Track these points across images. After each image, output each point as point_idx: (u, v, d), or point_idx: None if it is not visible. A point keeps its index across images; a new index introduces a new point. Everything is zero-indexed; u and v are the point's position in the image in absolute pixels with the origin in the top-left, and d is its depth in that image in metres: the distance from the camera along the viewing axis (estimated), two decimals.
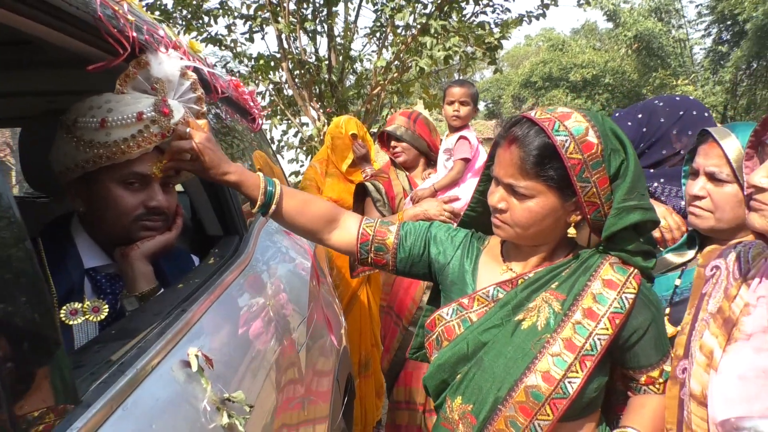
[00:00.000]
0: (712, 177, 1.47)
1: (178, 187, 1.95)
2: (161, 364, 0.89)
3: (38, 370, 0.65)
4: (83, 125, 1.33)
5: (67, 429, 0.66)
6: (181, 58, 1.47)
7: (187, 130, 1.32)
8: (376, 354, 3.60)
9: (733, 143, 1.46)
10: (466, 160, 2.75)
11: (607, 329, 1.21)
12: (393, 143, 2.98)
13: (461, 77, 9.77)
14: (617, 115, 2.04)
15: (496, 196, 1.27)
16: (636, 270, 1.27)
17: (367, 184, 2.92)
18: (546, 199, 1.22)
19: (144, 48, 1.35)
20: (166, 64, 1.41)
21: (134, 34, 1.25)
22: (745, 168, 1.05)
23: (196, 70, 1.54)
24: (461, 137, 2.77)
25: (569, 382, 1.18)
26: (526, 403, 1.19)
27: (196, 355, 0.94)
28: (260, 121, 2.50)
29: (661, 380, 1.28)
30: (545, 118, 1.22)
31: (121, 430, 0.73)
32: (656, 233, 1.69)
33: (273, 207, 1.35)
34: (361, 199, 3.01)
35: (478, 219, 1.45)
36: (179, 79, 1.45)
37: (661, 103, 1.95)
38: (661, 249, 1.64)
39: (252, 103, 2.42)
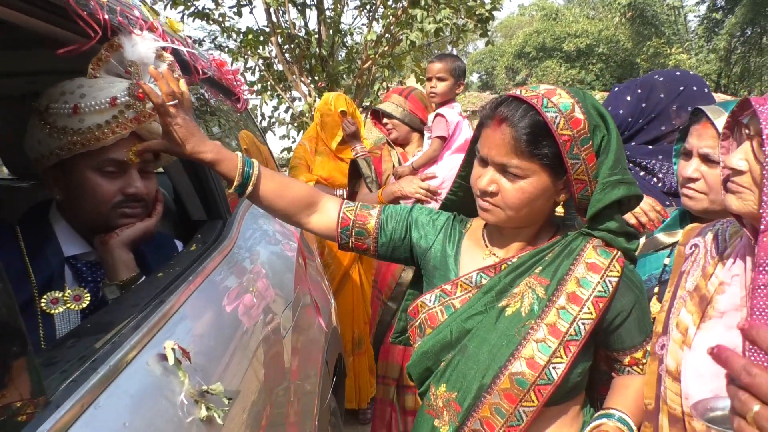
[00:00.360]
0: (706, 158, 1.45)
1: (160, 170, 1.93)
2: (136, 358, 0.88)
3: (3, 370, 0.63)
4: (56, 111, 1.30)
5: (35, 431, 0.64)
6: (157, 39, 1.43)
7: (173, 102, 1.26)
8: (368, 331, 3.62)
9: (722, 122, 1.44)
10: (443, 138, 2.72)
11: (591, 313, 1.20)
12: (384, 120, 2.95)
13: (453, 50, 9.64)
14: (616, 89, 2.01)
15: (485, 179, 1.22)
16: (619, 252, 1.26)
17: (359, 161, 2.90)
18: (539, 178, 1.20)
19: (117, 30, 1.31)
20: (141, 45, 1.37)
21: (106, 17, 1.21)
22: (721, 149, 1.03)
23: (175, 51, 1.50)
24: (438, 114, 2.75)
25: (554, 368, 1.18)
26: (511, 390, 1.18)
27: (173, 348, 0.93)
28: (245, 100, 2.46)
29: (644, 361, 1.28)
30: (532, 95, 1.19)
31: (92, 429, 0.72)
32: (631, 219, 1.69)
33: (250, 188, 1.31)
34: (355, 176, 2.99)
35: (458, 203, 1.43)
36: (155, 61, 1.41)
37: (661, 78, 1.92)
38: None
39: (236, 83, 2.38)
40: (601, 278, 1.22)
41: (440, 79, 2.74)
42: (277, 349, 1.46)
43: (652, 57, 20.63)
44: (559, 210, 1.31)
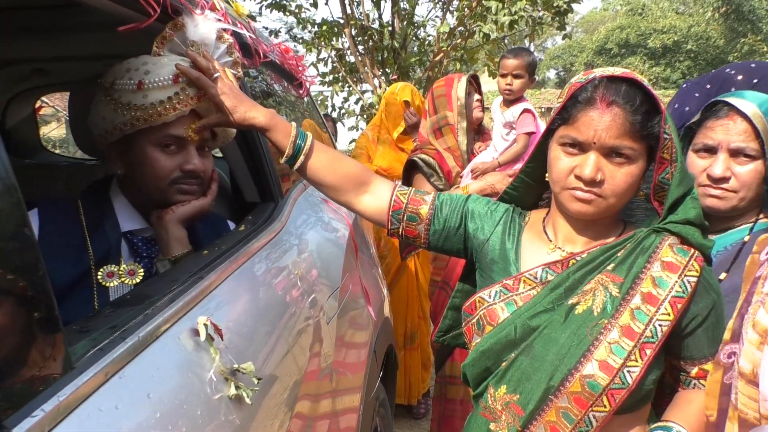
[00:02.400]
0: (737, 153, 1.38)
1: (219, 154, 1.97)
2: (168, 332, 0.88)
3: (28, 336, 0.64)
4: (121, 87, 1.34)
5: (55, 394, 0.65)
6: (219, 20, 1.44)
7: (215, 75, 1.31)
8: (423, 326, 3.58)
9: (756, 114, 1.35)
10: (531, 134, 2.66)
11: (669, 314, 1.12)
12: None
13: (530, 44, 9.40)
14: (685, 86, 1.88)
15: (591, 167, 1.12)
16: (697, 252, 1.17)
17: (416, 158, 2.83)
18: (642, 162, 1.15)
19: (179, 10, 1.34)
20: (202, 26, 1.40)
21: None
22: None
23: (236, 33, 1.51)
24: (525, 110, 2.68)
25: (628, 372, 1.10)
26: (582, 394, 1.11)
27: (205, 324, 0.92)
28: (308, 87, 2.47)
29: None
30: (628, 73, 1.15)
31: (114, 398, 0.72)
32: None
33: (301, 158, 1.30)
34: (410, 176, 2.89)
35: (517, 197, 1.37)
36: (215, 42, 1.43)
37: (733, 71, 1.77)
38: None
39: (300, 68, 2.39)
40: (678, 278, 1.14)
41: (516, 77, 2.67)
42: (319, 335, 1.45)
43: (747, 55, 19.42)
44: (641, 193, 1.25)
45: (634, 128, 1.11)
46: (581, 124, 1.14)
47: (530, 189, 1.35)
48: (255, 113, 1.30)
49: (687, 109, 1.80)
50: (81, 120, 1.82)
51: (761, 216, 1.46)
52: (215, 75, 1.31)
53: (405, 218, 1.32)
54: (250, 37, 1.68)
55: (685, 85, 1.89)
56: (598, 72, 1.18)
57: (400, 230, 1.34)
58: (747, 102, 1.41)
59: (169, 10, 1.28)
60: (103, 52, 1.99)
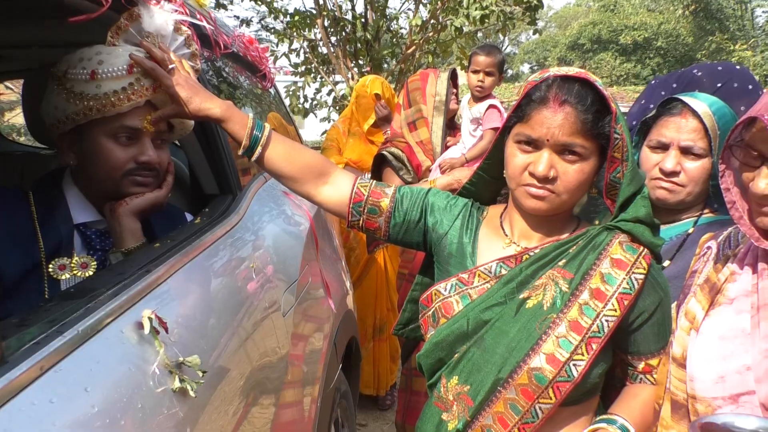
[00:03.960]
0: (686, 151, 1.46)
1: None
2: (110, 325, 0.88)
3: None
4: (73, 77, 1.32)
5: None
6: (176, 11, 1.43)
7: (171, 67, 1.30)
8: (391, 318, 3.59)
9: (706, 113, 1.43)
10: (496, 129, 2.67)
11: (615, 310, 1.15)
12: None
13: (503, 38, 9.45)
14: (654, 82, 1.93)
15: (544, 164, 1.15)
16: (645, 250, 1.20)
17: (385, 152, 2.83)
18: (594, 160, 1.18)
19: (134, 0, 1.32)
20: (158, 17, 1.38)
21: None
22: (723, 170, 1.02)
23: (194, 25, 1.50)
24: (491, 106, 2.71)
25: (574, 365, 1.13)
26: (529, 386, 1.14)
27: (150, 318, 0.92)
28: (272, 77, 2.45)
29: (657, 369, 1.22)
30: (582, 73, 1.18)
31: (48, 392, 0.72)
32: None
33: (258, 149, 1.30)
34: (379, 169, 2.90)
35: (475, 193, 1.39)
36: (172, 34, 1.42)
37: (699, 73, 1.82)
38: None
39: (263, 60, 2.37)
40: (626, 275, 1.17)
41: (488, 74, 2.71)
42: (274, 328, 1.45)
43: (714, 53, 19.82)
44: (593, 191, 1.28)
45: (585, 127, 1.14)
46: (535, 122, 1.16)
47: (488, 185, 1.37)
48: (210, 104, 1.30)
49: (651, 106, 1.85)
50: (34, 109, 1.79)
51: (705, 210, 1.54)
52: (171, 66, 1.30)
53: (366, 210, 1.33)
54: (209, 28, 1.66)
55: (653, 82, 1.94)
56: (553, 71, 1.21)
57: (361, 222, 1.34)
58: (699, 102, 1.47)
59: (123, 1, 1.27)
60: (59, 40, 1.95)
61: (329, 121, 8.01)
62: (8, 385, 0.67)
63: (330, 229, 2.50)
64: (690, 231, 1.51)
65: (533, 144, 1.18)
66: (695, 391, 1.00)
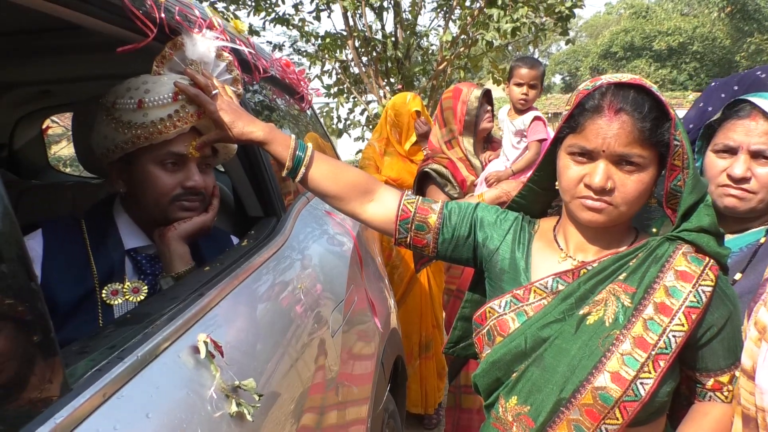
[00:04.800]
0: (757, 155, 1.36)
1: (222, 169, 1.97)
2: (167, 350, 0.88)
3: (26, 359, 0.65)
4: (121, 107, 1.35)
5: (52, 417, 0.65)
6: (217, 38, 1.46)
7: (214, 92, 1.33)
8: (437, 336, 3.55)
9: None
10: (542, 141, 2.67)
11: (683, 325, 1.09)
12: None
13: (533, 50, 9.40)
14: (713, 85, 1.85)
15: (601, 175, 1.11)
16: (712, 260, 1.14)
17: (428, 170, 2.81)
18: (653, 169, 1.13)
19: (177, 30, 1.35)
20: (200, 44, 1.41)
21: (162, 15, 1.25)
22: None
23: (234, 50, 1.53)
24: (536, 118, 2.71)
25: (641, 384, 1.08)
26: (594, 406, 1.09)
27: (205, 342, 0.92)
28: (310, 100, 2.48)
29: (730, 387, 1.15)
30: (636, 79, 1.13)
31: (112, 419, 0.72)
32: None
33: (302, 170, 1.30)
34: (422, 186, 2.86)
35: (525, 206, 1.35)
36: (214, 60, 1.44)
37: (763, 75, 1.74)
38: None
39: (301, 83, 2.40)
40: (693, 287, 1.11)
41: (532, 87, 2.71)
42: (324, 349, 1.44)
43: (754, 54, 19.31)
44: (652, 201, 1.23)
45: (643, 135, 1.09)
46: (589, 133, 1.12)
47: (538, 197, 1.34)
48: (253, 127, 1.31)
49: (710, 109, 1.78)
50: (83, 140, 1.84)
51: None
52: (214, 92, 1.32)
53: (413, 227, 1.30)
54: (249, 53, 1.69)
55: (713, 84, 1.86)
56: (606, 79, 1.16)
57: (408, 239, 1.32)
58: None
59: (167, 30, 1.30)
60: (106, 73, 2.01)
61: (363, 141, 8.06)
62: (74, 413, 0.68)
63: (372, 248, 2.49)
64: (762, 240, 1.42)
65: (588, 155, 1.13)
66: (764, 404, 0.95)
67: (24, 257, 0.65)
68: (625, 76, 1.15)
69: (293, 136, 1.33)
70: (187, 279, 1.22)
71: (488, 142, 2.96)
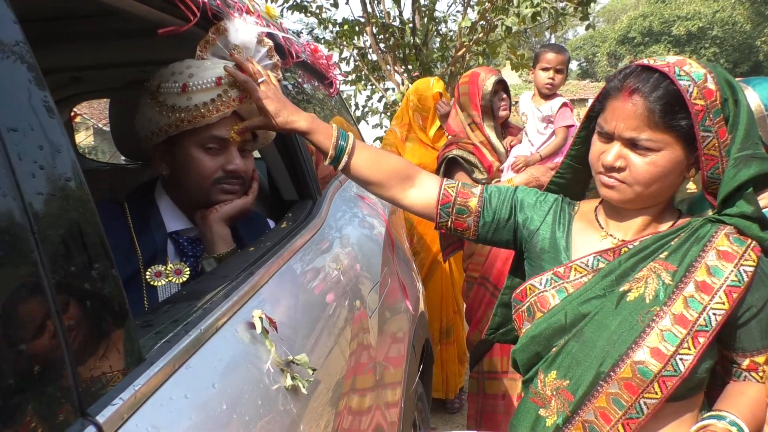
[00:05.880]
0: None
1: (256, 155, 2.00)
2: (226, 325, 0.91)
3: (104, 331, 0.67)
4: (166, 90, 1.37)
5: (130, 385, 0.68)
6: (257, 23, 1.47)
7: (261, 80, 1.34)
8: (458, 321, 3.58)
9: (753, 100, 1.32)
10: (569, 127, 2.70)
11: (724, 303, 1.11)
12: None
13: (551, 35, 9.32)
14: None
15: (612, 154, 1.15)
16: (754, 242, 1.15)
17: (455, 155, 2.80)
18: (672, 151, 1.12)
19: (219, 15, 1.37)
20: (243, 30, 1.43)
21: (205, 0, 1.26)
22: None
23: (270, 35, 1.54)
24: (564, 104, 2.73)
25: (681, 359, 1.09)
26: (633, 380, 1.11)
27: (260, 317, 0.95)
28: (337, 86, 2.50)
29: (765, 367, 1.16)
30: (662, 64, 1.13)
31: (183, 387, 0.75)
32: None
33: (345, 158, 1.32)
34: (449, 171, 2.85)
35: (565, 186, 1.37)
36: (256, 46, 1.46)
37: None
38: None
39: (329, 67, 2.42)
40: (734, 267, 1.12)
41: (558, 71, 2.73)
42: (362, 329, 1.47)
43: None
44: (691, 187, 1.22)
45: (651, 119, 1.10)
46: (608, 114, 1.16)
47: (577, 175, 1.35)
48: (297, 117, 1.33)
49: None
50: (123, 125, 1.87)
51: None
52: (260, 80, 1.34)
53: (454, 211, 1.33)
54: (283, 38, 1.71)
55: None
56: (641, 60, 1.18)
57: (449, 223, 1.34)
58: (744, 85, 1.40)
59: (209, 15, 1.31)
60: (140, 59, 2.03)
61: (381, 128, 8.05)
62: (149, 381, 0.70)
63: (401, 231, 2.52)
64: None
65: (607, 136, 1.17)
66: None
67: (104, 238, 0.68)
68: (659, 60, 1.16)
69: (335, 126, 1.35)
70: (233, 259, 1.25)
71: (505, 127, 2.97)
